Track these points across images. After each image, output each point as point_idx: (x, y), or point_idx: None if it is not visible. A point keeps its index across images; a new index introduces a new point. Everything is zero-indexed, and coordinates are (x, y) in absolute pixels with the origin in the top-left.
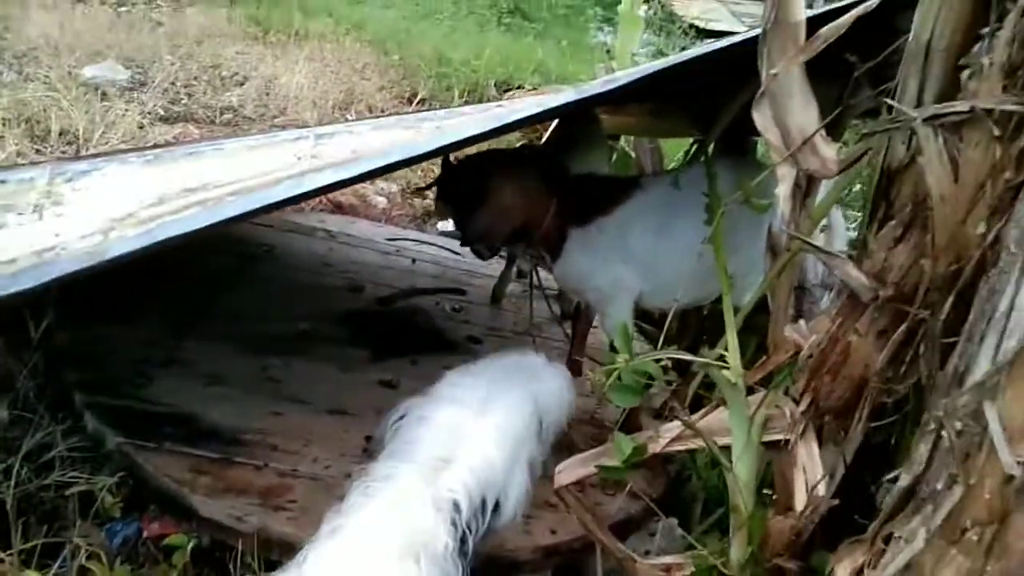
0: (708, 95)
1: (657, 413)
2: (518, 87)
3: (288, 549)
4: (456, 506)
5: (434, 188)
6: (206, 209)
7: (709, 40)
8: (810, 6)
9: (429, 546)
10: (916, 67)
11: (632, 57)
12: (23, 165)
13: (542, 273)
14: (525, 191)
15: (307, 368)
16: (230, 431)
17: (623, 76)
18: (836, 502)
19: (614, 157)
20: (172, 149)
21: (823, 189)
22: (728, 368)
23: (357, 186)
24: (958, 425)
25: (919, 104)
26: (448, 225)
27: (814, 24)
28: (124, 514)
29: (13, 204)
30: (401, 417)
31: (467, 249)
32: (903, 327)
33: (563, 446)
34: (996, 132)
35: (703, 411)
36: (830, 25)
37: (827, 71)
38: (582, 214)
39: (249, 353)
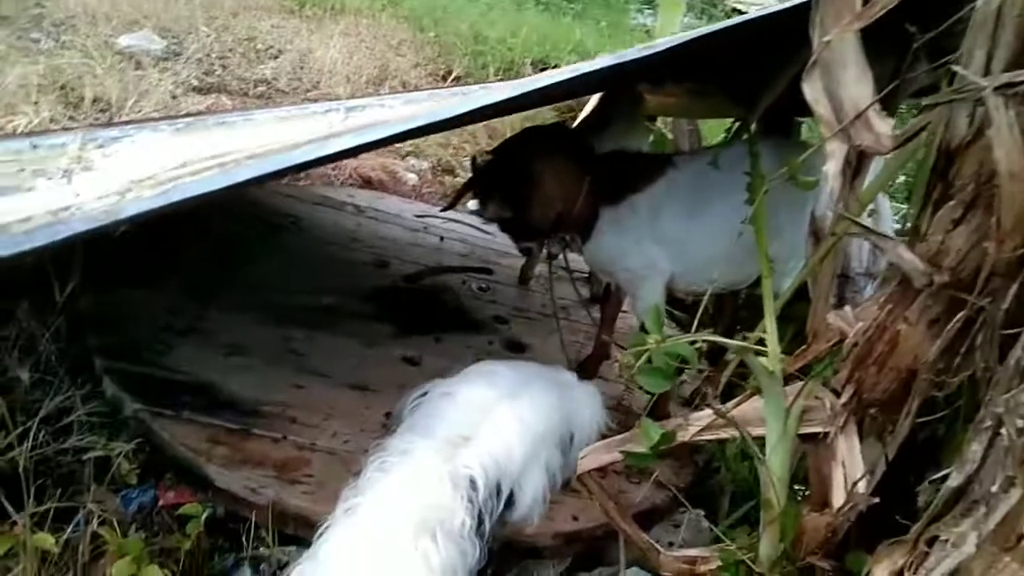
0: (751, 73)
1: (687, 402)
2: (554, 66)
3: (303, 523)
4: (473, 483)
5: (468, 193)
6: (224, 171)
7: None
8: None
9: (446, 522)
10: (984, 35)
11: None
12: (55, 131)
13: (570, 255)
14: (565, 174)
15: (330, 342)
16: (249, 402)
17: (663, 42)
18: (876, 500)
19: (651, 139)
20: (203, 118)
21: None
22: (765, 355)
23: (387, 162)
24: (1019, 423)
25: (987, 74)
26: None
27: None
28: (140, 481)
29: (44, 169)
30: (422, 395)
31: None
32: (959, 316)
33: None
34: None
35: (737, 400)
36: None
37: (884, 41)
38: (614, 192)
39: (272, 324)
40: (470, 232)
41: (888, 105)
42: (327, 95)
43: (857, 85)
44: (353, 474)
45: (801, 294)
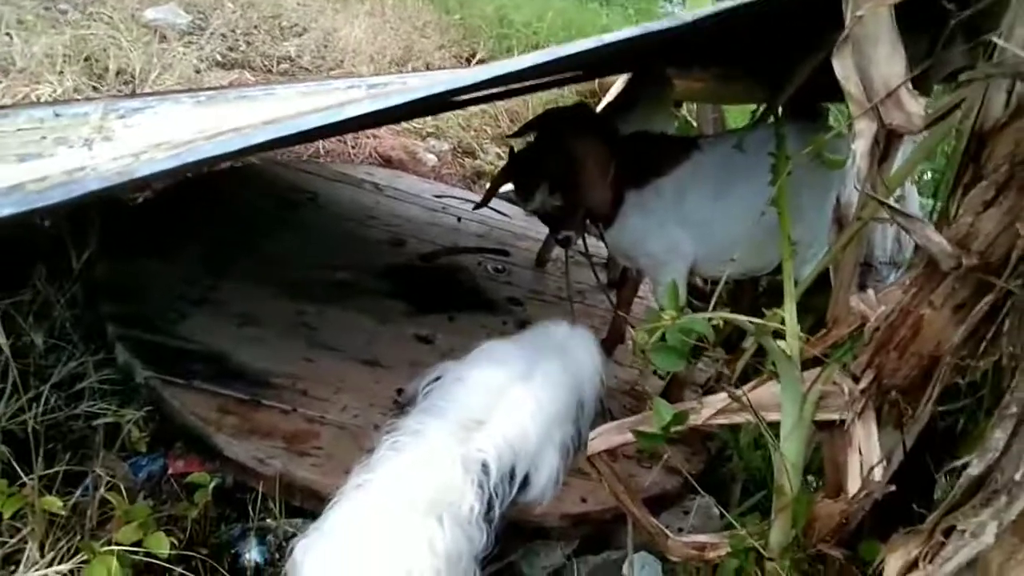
0: (779, 56)
1: (701, 388)
2: None
3: (310, 495)
4: (485, 468)
5: (504, 184)
6: (241, 135)
7: None
8: None
9: (454, 506)
10: None
11: None
12: (78, 101)
13: (589, 239)
14: (604, 157)
15: (343, 317)
16: (260, 373)
17: (690, 14)
18: (892, 488)
19: (676, 125)
20: (225, 92)
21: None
22: (783, 338)
23: (407, 142)
24: None
25: None
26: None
27: None
28: (150, 450)
29: (66, 137)
30: (436, 379)
31: (512, 210)
32: (986, 300)
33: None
34: None
35: (752, 383)
36: None
37: (919, 18)
38: (638, 175)
39: (285, 298)
40: (488, 214)
41: (921, 86)
42: (350, 74)
43: (889, 63)
44: (365, 450)
45: (822, 284)
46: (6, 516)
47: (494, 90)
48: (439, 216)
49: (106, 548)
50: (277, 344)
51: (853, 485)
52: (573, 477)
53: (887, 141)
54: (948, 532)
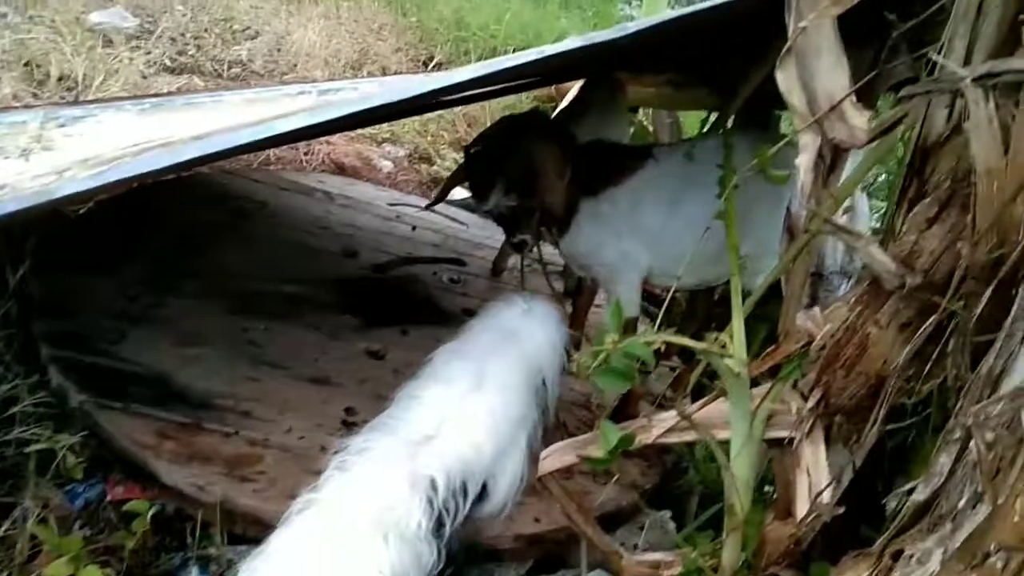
0: (731, 64)
1: (657, 400)
2: None
3: (252, 522)
4: (433, 484)
5: (458, 184)
6: (170, 150)
7: None
8: None
9: (400, 523)
10: (966, 24)
11: None
12: (16, 108)
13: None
14: (560, 161)
15: (291, 333)
16: (202, 395)
17: (634, 24)
18: (840, 510)
19: (632, 130)
20: (171, 99)
21: (848, 168)
22: (731, 356)
23: (362, 148)
24: (989, 436)
25: (967, 65)
26: (455, 193)
27: None
28: (88, 475)
29: (2, 147)
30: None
31: (468, 218)
32: (931, 320)
33: (555, 429)
34: None
35: (701, 401)
36: None
37: (862, 30)
38: (593, 184)
39: (231, 314)
40: (444, 222)
41: (866, 98)
42: (304, 78)
43: (832, 75)
44: (307, 472)
45: (776, 292)
46: None
47: (449, 96)
48: (393, 225)
49: None
50: (221, 363)
51: (802, 507)
52: (527, 496)
53: (833, 154)
54: (897, 555)
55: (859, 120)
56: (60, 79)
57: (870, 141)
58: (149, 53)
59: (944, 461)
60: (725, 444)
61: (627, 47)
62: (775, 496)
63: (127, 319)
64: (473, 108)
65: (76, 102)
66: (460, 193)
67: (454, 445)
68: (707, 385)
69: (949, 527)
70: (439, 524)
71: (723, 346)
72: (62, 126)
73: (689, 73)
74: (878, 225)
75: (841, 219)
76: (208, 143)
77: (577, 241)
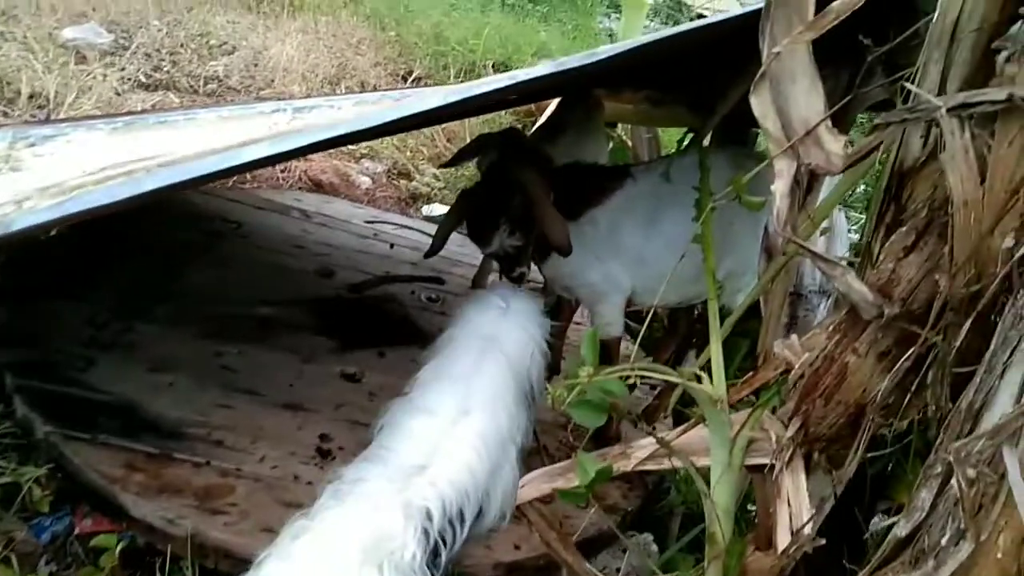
0: (707, 82)
1: (639, 419)
2: (516, 69)
3: (224, 556)
4: (428, 514)
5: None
6: (131, 180)
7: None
8: None
9: (395, 554)
10: (940, 51)
11: None
12: None
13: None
14: (546, 188)
15: (264, 357)
16: (172, 424)
17: (605, 50)
18: (822, 542)
19: (610, 145)
20: (144, 117)
21: (825, 187)
22: (710, 384)
23: (340, 165)
24: (971, 472)
25: (940, 93)
26: (434, 209)
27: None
28: (55, 508)
29: None
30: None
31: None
32: (911, 351)
33: (534, 452)
34: None
35: (681, 428)
36: (842, 0)
37: (836, 54)
38: (574, 207)
39: (204, 338)
40: (421, 239)
41: (841, 121)
42: (281, 94)
43: (807, 100)
44: (280, 503)
45: (756, 308)
46: None
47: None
48: (370, 243)
49: None
50: (192, 390)
51: (783, 537)
52: (506, 523)
53: (809, 178)
54: None
55: (835, 145)
56: (31, 97)
57: (847, 167)
58: (123, 69)
59: (925, 496)
60: (705, 470)
61: (600, 72)
62: (756, 519)
63: (96, 346)
64: (452, 123)
65: (47, 120)
66: (438, 209)
67: (447, 473)
68: (691, 404)
69: (932, 563)
70: (435, 553)
71: (699, 379)
72: (32, 145)
73: (667, 90)
74: (858, 237)
75: (820, 239)
76: (173, 172)
77: (559, 264)
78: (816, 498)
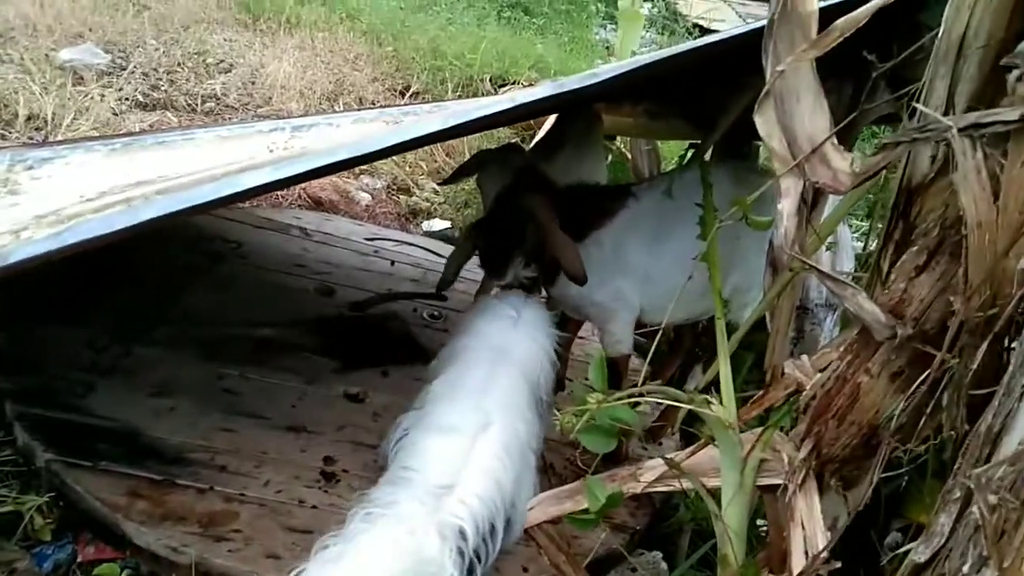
0: (707, 97)
1: (646, 438)
2: (514, 82)
3: None
4: (462, 533)
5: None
6: (129, 208)
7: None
8: None
9: None
10: (946, 67)
11: (633, 55)
12: None
13: None
14: (553, 212)
15: (267, 379)
16: (174, 449)
17: (605, 71)
18: (838, 565)
19: (609, 159)
20: (142, 138)
21: (829, 201)
22: (720, 406)
23: (339, 182)
24: (992, 498)
25: (948, 110)
26: (434, 225)
27: (827, 16)
28: (57, 536)
29: None
30: (403, 435)
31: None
32: (926, 374)
33: (542, 471)
34: None
35: (690, 449)
36: (846, 17)
37: (838, 67)
38: (578, 228)
39: (205, 361)
40: (423, 256)
41: (845, 137)
42: (279, 111)
43: (812, 118)
44: (285, 528)
45: (760, 322)
46: None
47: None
48: (371, 261)
49: None
50: (194, 415)
51: (797, 559)
52: (515, 545)
53: (814, 195)
54: None
55: (842, 163)
56: (29, 118)
57: (855, 186)
58: (121, 89)
59: (944, 521)
60: (716, 491)
61: (600, 89)
62: (767, 539)
63: (96, 371)
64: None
65: (45, 142)
66: (438, 224)
67: (476, 489)
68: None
69: None
70: (470, 571)
71: (709, 402)
72: (30, 168)
73: (665, 104)
74: (860, 243)
75: (825, 253)
76: (171, 200)
77: (567, 286)
78: (829, 519)
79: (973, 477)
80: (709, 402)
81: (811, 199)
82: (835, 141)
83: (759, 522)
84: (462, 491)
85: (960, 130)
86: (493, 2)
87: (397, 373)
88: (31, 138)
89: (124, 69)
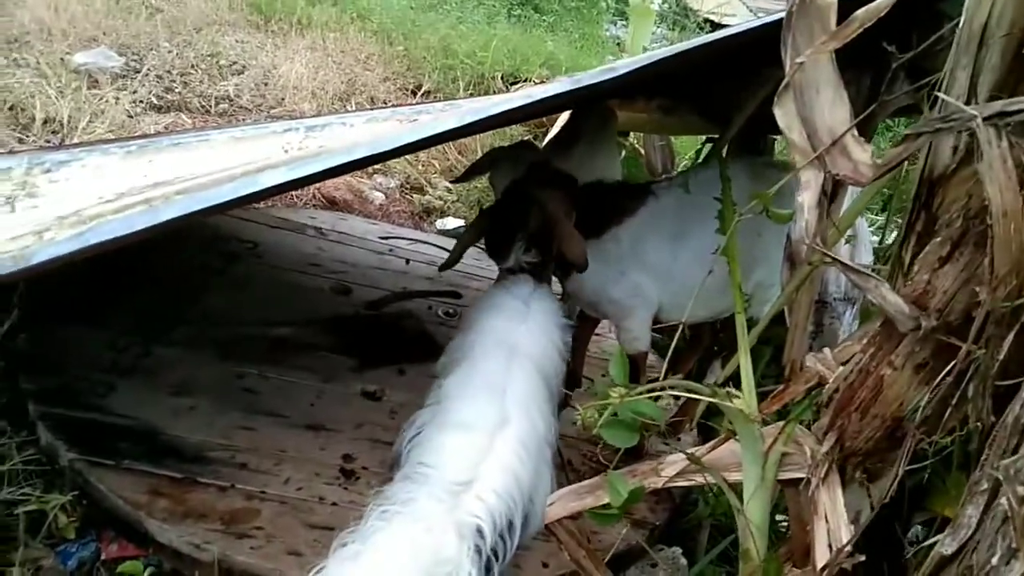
0: (722, 91)
1: (667, 430)
2: (525, 80)
3: None
4: (480, 531)
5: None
6: (150, 209)
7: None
8: None
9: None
10: (968, 57)
11: (644, 51)
12: (2, 153)
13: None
14: (569, 210)
15: (285, 378)
16: (195, 448)
17: (623, 65)
18: (863, 558)
19: (623, 154)
20: (157, 139)
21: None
22: (741, 400)
23: (353, 181)
24: (1021, 490)
25: (970, 99)
26: (448, 223)
27: (846, 7)
28: (81, 534)
29: None
30: (417, 433)
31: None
32: (951, 364)
33: (560, 468)
34: None
35: (711, 443)
36: (866, 8)
37: (857, 58)
38: (596, 225)
39: (224, 361)
40: (437, 254)
41: (865, 128)
42: (291, 111)
43: (832, 110)
44: (306, 525)
45: (779, 316)
46: None
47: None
48: (386, 259)
49: None
50: (214, 413)
51: (821, 554)
52: (534, 540)
53: (834, 188)
54: None
55: (862, 155)
56: (45, 122)
57: (876, 178)
58: (135, 92)
59: (971, 513)
60: (737, 485)
61: (616, 85)
62: (788, 533)
63: (116, 371)
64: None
65: (61, 146)
66: (452, 223)
67: (494, 485)
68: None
69: None
70: (487, 569)
71: (730, 395)
72: (47, 171)
73: (679, 99)
74: (877, 238)
75: (843, 247)
76: (191, 200)
77: (584, 282)
78: (852, 512)
79: (1001, 468)
80: (732, 396)
81: (831, 192)
82: (855, 133)
83: (778, 517)
84: (480, 487)
85: (985, 119)
86: (503, 0)
87: (413, 371)
88: (48, 141)
89: (138, 72)
